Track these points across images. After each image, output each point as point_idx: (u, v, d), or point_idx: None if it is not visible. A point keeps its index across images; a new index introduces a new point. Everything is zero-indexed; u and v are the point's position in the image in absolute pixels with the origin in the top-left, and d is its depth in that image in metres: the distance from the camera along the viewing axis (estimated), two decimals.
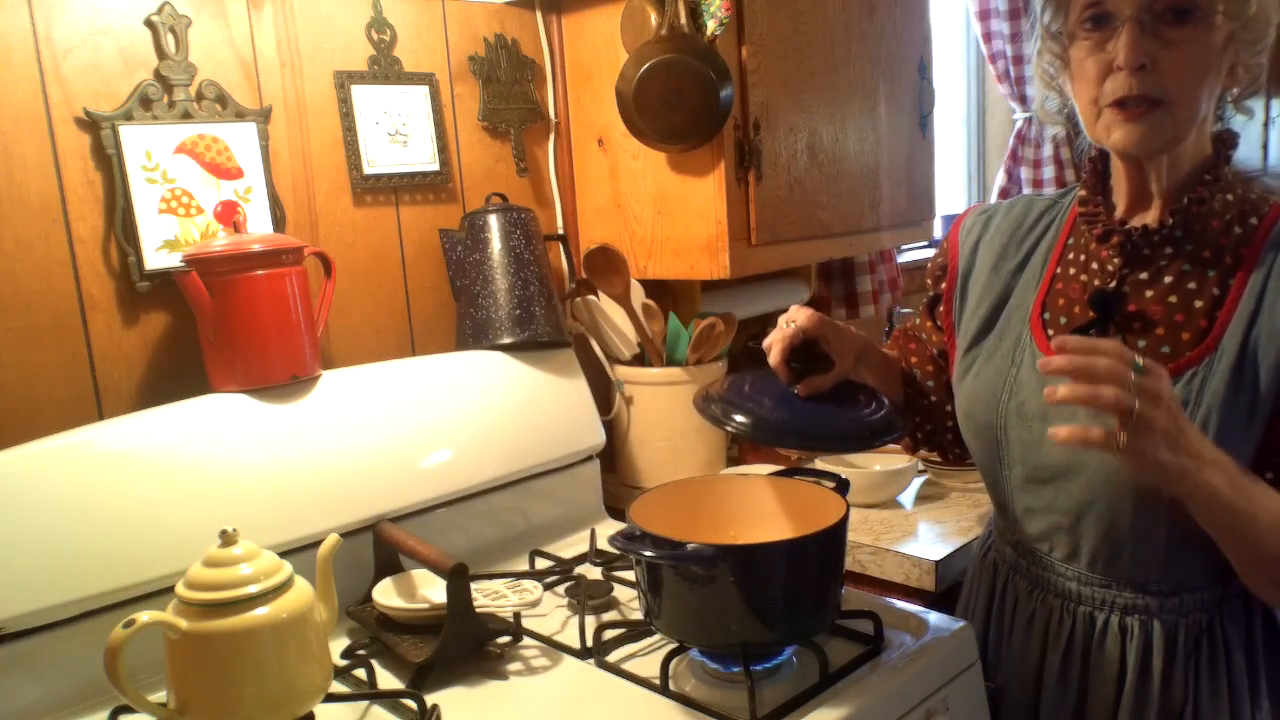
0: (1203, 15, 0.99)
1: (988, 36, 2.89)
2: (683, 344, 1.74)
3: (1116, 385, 0.89)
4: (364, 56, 1.53)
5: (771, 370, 1.18)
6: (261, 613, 0.94)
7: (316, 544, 1.06)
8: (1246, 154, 3.12)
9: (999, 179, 3.04)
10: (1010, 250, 1.22)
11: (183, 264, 1.28)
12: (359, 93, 1.52)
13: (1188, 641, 1.09)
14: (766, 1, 1.65)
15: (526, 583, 1.26)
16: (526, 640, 1.21)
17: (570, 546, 1.51)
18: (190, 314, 1.31)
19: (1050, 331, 1.14)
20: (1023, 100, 2.94)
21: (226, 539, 0.97)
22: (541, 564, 1.44)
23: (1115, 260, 1.10)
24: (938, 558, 1.42)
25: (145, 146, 1.30)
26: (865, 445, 1.20)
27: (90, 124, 1.27)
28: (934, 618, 1.19)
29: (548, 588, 1.33)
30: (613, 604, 1.30)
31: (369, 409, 1.38)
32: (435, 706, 1.06)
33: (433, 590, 1.26)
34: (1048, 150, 2.97)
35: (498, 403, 1.50)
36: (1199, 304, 1.05)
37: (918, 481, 1.75)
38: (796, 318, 1.19)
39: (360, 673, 1.13)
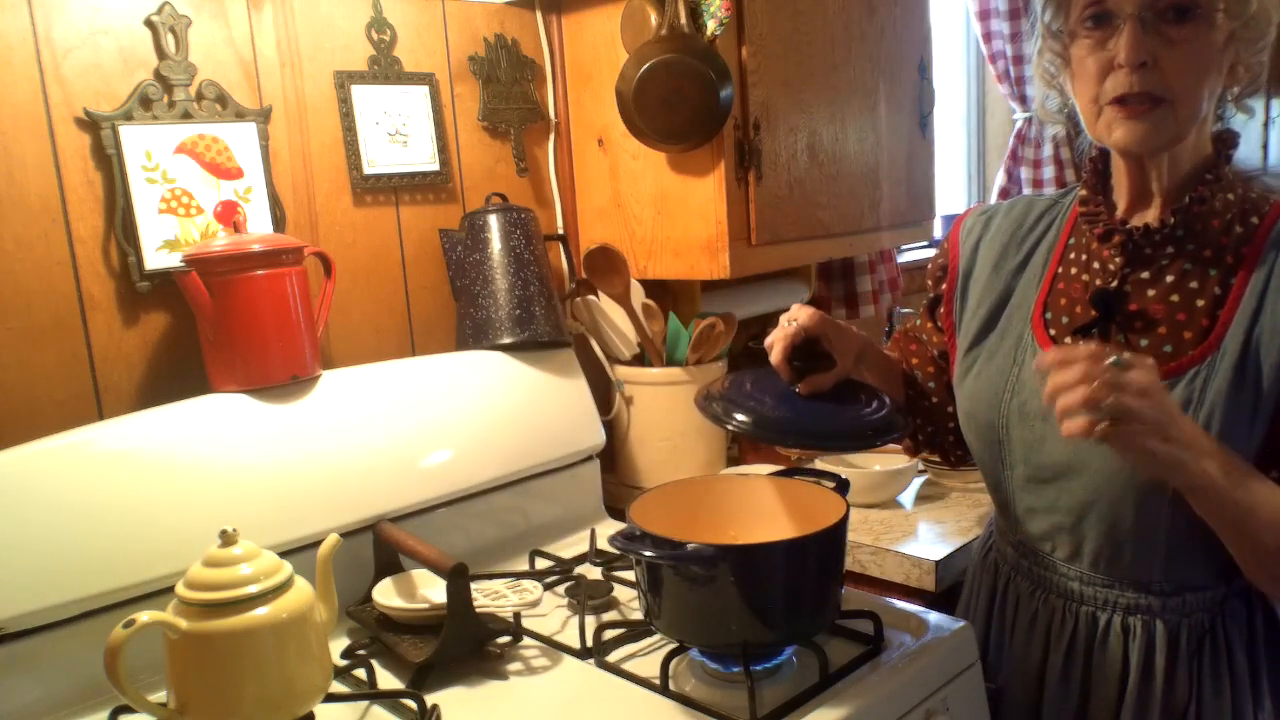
0: (1204, 14, 0.99)
1: (988, 36, 2.89)
2: (683, 344, 1.74)
3: (1085, 383, 0.90)
4: (364, 56, 1.53)
5: (773, 369, 1.19)
6: (261, 613, 0.94)
7: (316, 544, 1.06)
8: (1246, 154, 3.12)
9: (999, 179, 3.03)
10: (1011, 250, 1.22)
11: (183, 264, 1.28)
12: (359, 93, 1.52)
13: (1190, 641, 1.09)
14: (766, 1, 1.65)
15: (526, 583, 1.26)
16: (526, 640, 1.21)
17: (570, 546, 1.51)
18: (190, 314, 1.30)
19: (1052, 331, 1.14)
20: (1023, 100, 2.94)
21: (226, 539, 0.97)
22: (541, 564, 1.44)
23: (1117, 259, 1.10)
24: (938, 558, 1.42)
25: (145, 146, 1.30)
26: (866, 444, 1.20)
27: (90, 124, 1.27)
28: (934, 618, 1.19)
29: (548, 588, 1.33)
30: (613, 604, 1.30)
31: (369, 409, 1.38)
32: (435, 706, 1.06)
33: (433, 590, 1.26)
34: (1048, 150, 2.97)
35: (498, 403, 1.50)
36: (1200, 303, 1.05)
37: (918, 481, 1.75)
38: (798, 316, 1.19)
39: (360, 673, 1.13)
